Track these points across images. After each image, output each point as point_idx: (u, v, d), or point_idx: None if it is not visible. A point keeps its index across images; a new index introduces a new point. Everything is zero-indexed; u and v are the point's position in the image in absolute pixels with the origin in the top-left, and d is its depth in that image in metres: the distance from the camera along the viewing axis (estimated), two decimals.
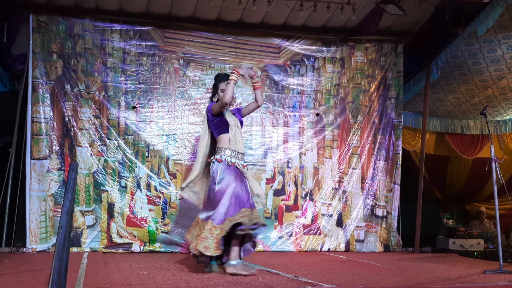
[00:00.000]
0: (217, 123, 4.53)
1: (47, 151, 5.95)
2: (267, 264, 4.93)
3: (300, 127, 6.79)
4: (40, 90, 5.98)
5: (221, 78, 4.61)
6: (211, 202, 4.38)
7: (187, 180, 4.65)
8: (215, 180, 4.35)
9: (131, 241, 6.01)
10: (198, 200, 4.65)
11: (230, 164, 4.39)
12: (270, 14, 6.45)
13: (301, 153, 6.76)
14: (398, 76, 7.07)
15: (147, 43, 6.38)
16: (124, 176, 6.17)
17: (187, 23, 6.49)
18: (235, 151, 4.45)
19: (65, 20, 6.12)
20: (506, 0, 5.56)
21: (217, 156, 4.42)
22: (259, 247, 6.32)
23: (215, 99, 4.63)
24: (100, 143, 6.14)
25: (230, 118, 4.54)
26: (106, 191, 6.09)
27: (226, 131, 4.48)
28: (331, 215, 6.73)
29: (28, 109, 5.94)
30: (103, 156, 6.13)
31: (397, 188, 6.95)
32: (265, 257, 5.65)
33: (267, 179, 6.61)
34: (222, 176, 4.34)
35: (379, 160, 6.96)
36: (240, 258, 4.38)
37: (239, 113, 4.79)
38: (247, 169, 4.56)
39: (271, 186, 6.62)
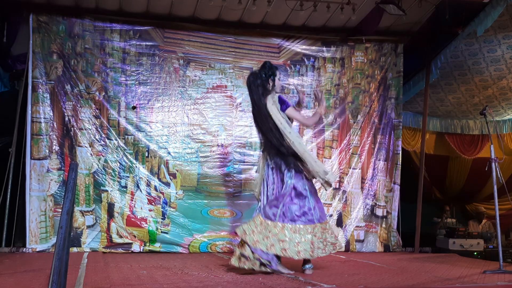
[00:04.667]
0: None
1: (47, 151, 5.96)
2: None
3: (299, 127, 6.77)
4: (40, 90, 5.99)
5: (275, 68, 4.45)
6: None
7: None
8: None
9: (131, 241, 6.01)
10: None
11: None
12: (270, 14, 6.45)
13: None
14: (398, 76, 7.07)
15: (147, 43, 6.38)
16: (124, 176, 6.17)
17: (187, 23, 6.48)
18: None
19: (65, 20, 6.13)
20: (506, 0, 5.55)
21: None
22: None
23: (278, 91, 4.46)
24: (100, 143, 6.14)
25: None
26: (106, 191, 6.09)
27: None
28: (331, 215, 6.72)
29: (28, 109, 5.94)
30: (103, 156, 6.14)
31: (397, 188, 6.95)
32: None
33: None
34: None
35: (379, 160, 6.96)
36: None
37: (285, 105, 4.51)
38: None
39: None
